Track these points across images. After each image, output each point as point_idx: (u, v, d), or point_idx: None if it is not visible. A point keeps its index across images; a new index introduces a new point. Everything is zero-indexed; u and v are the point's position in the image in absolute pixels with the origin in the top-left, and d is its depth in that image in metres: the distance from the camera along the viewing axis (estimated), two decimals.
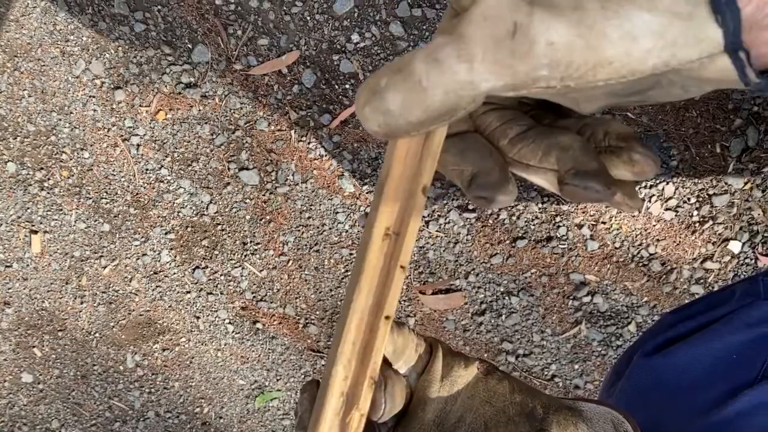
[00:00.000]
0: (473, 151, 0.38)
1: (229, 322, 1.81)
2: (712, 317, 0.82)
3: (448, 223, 1.59)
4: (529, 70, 0.29)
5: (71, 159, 1.70)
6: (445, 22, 0.34)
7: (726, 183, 1.44)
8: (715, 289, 1.52)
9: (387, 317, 0.38)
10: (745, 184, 1.44)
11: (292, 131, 1.58)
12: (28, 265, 1.85)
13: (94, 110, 1.64)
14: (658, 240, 1.51)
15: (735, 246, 1.49)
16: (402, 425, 0.43)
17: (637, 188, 0.39)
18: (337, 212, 1.63)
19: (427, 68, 0.30)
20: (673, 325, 0.85)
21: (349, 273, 1.68)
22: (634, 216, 1.50)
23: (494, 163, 0.38)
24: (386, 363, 0.43)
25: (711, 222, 1.48)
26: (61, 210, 1.76)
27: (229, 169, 1.64)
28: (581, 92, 0.31)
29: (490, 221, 1.57)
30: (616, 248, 1.54)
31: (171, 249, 1.75)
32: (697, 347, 0.79)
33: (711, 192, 1.46)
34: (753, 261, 1.49)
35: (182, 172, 1.66)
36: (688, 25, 0.27)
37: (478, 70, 0.30)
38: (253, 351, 1.83)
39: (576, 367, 1.68)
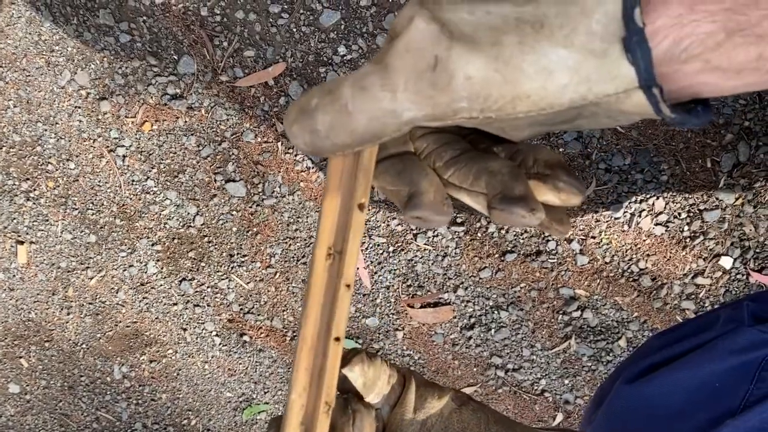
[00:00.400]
0: (410, 172, 0.38)
1: (216, 335, 1.79)
2: (695, 343, 0.80)
3: (437, 236, 1.57)
4: (449, 102, 0.30)
5: (57, 170, 1.68)
6: (383, 47, 0.34)
7: (717, 198, 1.43)
8: (706, 305, 1.51)
9: (337, 339, 0.38)
10: (737, 199, 1.42)
11: (279, 143, 1.56)
12: (14, 276, 1.83)
13: (80, 121, 1.62)
14: (648, 255, 1.50)
15: (726, 262, 1.47)
16: None
17: (567, 214, 0.41)
18: None
19: (353, 94, 0.31)
20: (657, 350, 0.84)
21: None
22: (624, 231, 1.48)
23: (430, 184, 0.38)
24: (357, 396, 0.42)
25: (702, 237, 1.46)
26: (47, 221, 1.74)
27: (215, 180, 1.62)
28: (504, 122, 0.32)
29: (479, 235, 1.56)
30: (606, 263, 1.52)
31: (157, 260, 1.73)
32: (680, 374, 0.78)
33: (702, 207, 1.44)
34: (744, 277, 1.47)
35: (168, 183, 1.65)
36: (603, 62, 0.28)
37: (400, 100, 0.31)
38: (241, 363, 1.81)
39: (566, 382, 1.66)
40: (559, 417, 1.71)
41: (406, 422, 0.42)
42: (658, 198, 1.45)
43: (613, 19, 0.27)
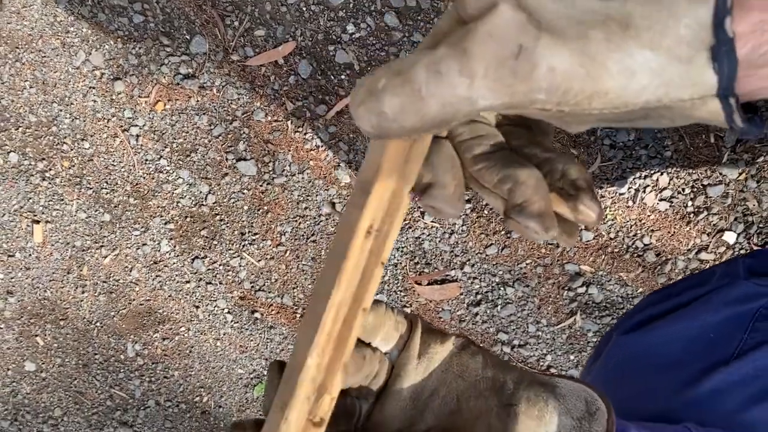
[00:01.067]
0: (437, 160, 0.39)
1: (228, 312, 1.82)
2: (691, 296, 0.83)
3: None
4: (527, 92, 0.30)
5: (72, 149, 1.72)
6: (446, 24, 0.34)
7: (720, 173, 1.45)
8: None
9: (364, 309, 0.40)
10: (740, 174, 1.44)
11: (289, 122, 1.59)
12: (30, 255, 1.87)
13: (94, 101, 1.66)
14: (652, 231, 1.51)
15: (730, 237, 1.49)
16: (380, 401, 0.44)
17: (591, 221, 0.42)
18: (334, 202, 1.64)
19: (427, 78, 0.30)
20: (654, 304, 0.86)
21: None
22: (628, 206, 1.50)
23: (452, 179, 0.38)
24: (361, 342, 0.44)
25: (705, 212, 1.48)
26: (63, 200, 1.78)
27: (227, 159, 1.65)
28: (574, 117, 0.32)
29: (486, 212, 1.58)
30: (610, 239, 1.54)
31: (170, 239, 1.77)
32: (675, 326, 0.80)
33: (705, 182, 1.46)
34: (748, 252, 1.49)
35: (181, 162, 1.68)
36: (687, 68, 0.28)
37: (477, 87, 0.30)
38: (252, 340, 1.84)
39: (572, 357, 1.68)
40: None
41: (410, 367, 0.44)
42: (662, 174, 1.47)
43: (703, 26, 0.27)
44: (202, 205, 1.71)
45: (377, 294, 1.72)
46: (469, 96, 0.30)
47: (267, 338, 1.83)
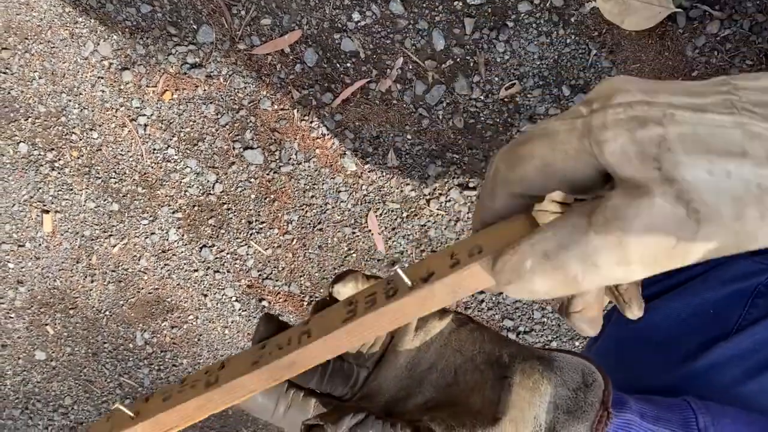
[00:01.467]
0: None
1: (236, 300, 1.84)
2: (689, 275, 0.83)
3: (449, 201, 1.61)
4: (679, 265, 0.31)
5: (81, 139, 1.74)
6: (570, 142, 0.33)
7: None
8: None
9: None
10: None
11: (295, 110, 1.60)
12: (40, 245, 1.89)
13: (103, 91, 1.68)
14: None
15: None
16: (377, 368, 0.46)
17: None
18: (340, 191, 1.65)
19: (584, 270, 0.31)
20: (652, 283, 0.87)
21: (351, 251, 1.71)
22: None
23: None
24: None
25: None
26: (72, 190, 1.80)
27: (233, 148, 1.67)
28: None
29: None
30: None
31: (178, 228, 1.79)
32: (674, 303, 0.81)
33: None
34: None
35: (188, 151, 1.70)
36: None
37: (633, 270, 0.31)
38: None
39: (577, 344, 1.70)
40: None
41: (407, 339, 0.46)
42: None
43: None
44: (210, 194, 1.73)
45: None
46: (624, 278, 0.31)
47: None
